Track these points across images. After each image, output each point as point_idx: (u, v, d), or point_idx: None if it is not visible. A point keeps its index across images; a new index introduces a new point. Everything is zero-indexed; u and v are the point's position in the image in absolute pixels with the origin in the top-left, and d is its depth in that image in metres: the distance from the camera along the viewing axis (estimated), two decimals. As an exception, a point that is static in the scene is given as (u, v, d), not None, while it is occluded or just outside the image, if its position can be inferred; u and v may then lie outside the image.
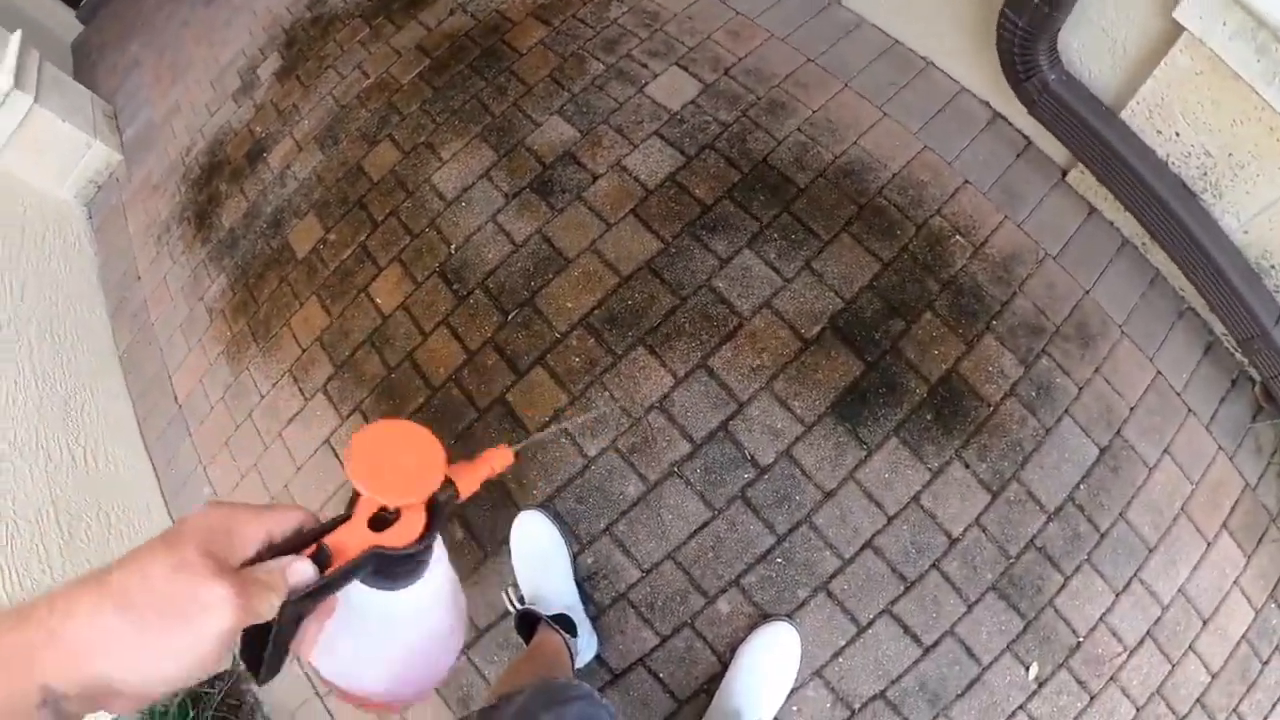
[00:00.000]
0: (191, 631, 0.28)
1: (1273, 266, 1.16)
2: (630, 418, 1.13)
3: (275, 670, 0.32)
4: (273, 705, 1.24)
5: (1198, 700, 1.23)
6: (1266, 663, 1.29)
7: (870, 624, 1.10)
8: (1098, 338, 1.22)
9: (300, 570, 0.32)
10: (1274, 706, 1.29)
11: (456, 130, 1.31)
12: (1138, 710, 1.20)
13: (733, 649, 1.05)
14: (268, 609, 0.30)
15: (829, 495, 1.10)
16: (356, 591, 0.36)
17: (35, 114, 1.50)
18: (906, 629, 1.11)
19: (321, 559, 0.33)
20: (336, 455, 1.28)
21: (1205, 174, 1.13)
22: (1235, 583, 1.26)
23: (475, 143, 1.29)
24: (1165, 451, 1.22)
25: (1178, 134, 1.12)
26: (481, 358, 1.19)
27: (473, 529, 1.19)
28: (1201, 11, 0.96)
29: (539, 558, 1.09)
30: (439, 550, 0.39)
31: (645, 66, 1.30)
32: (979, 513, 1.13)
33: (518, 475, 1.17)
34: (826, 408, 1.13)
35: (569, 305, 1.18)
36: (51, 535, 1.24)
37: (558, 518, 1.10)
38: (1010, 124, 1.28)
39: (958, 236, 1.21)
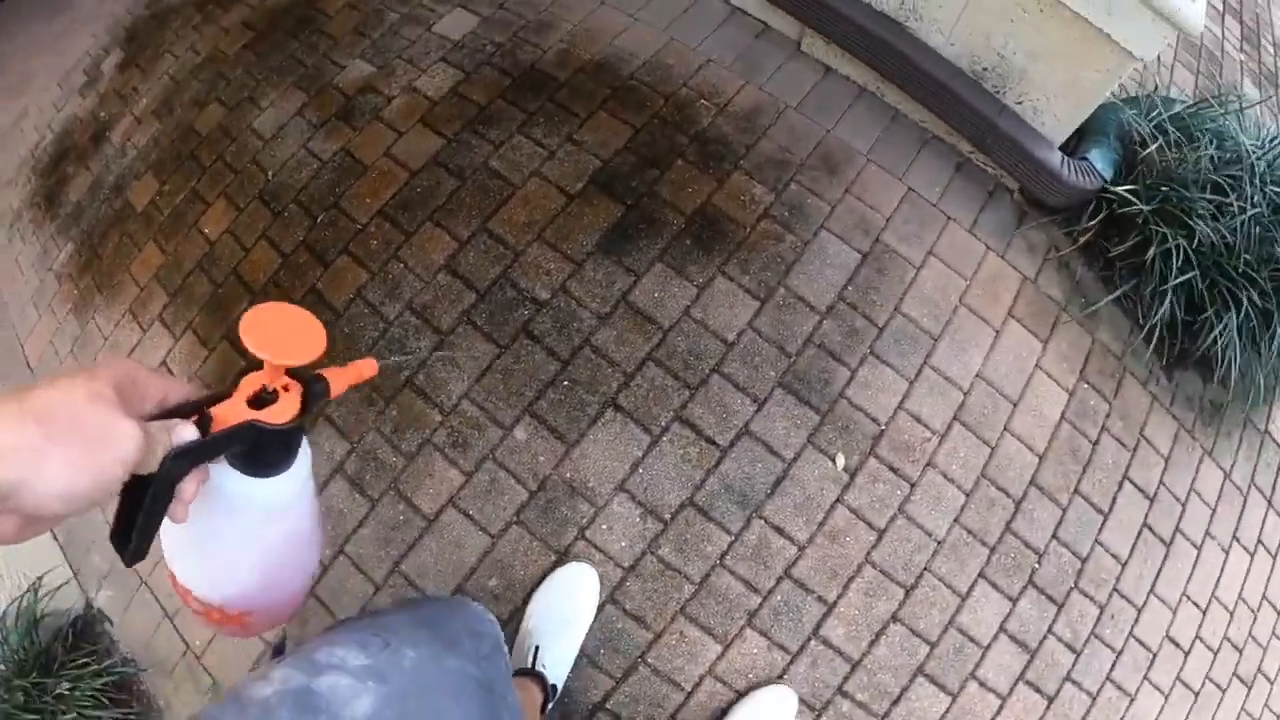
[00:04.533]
0: (104, 455, 0.32)
1: (985, 69, 1.32)
2: (423, 281, 1.24)
3: (146, 540, 0.36)
4: (123, 634, 1.25)
5: (1032, 481, 1.26)
6: (1096, 442, 1.32)
7: (664, 431, 1.15)
8: (843, 165, 1.36)
9: (184, 430, 0.36)
10: (1120, 485, 1.31)
11: (274, 84, 1.49)
12: (967, 495, 1.22)
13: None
14: (155, 459, 0.34)
15: (604, 319, 1.20)
16: (226, 480, 0.39)
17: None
18: (699, 432, 1.16)
19: (203, 426, 0.37)
20: (171, 374, 1.36)
21: (902, 3, 1.31)
22: (1037, 366, 1.32)
23: (290, 90, 1.46)
24: (930, 253, 1.33)
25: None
26: (295, 258, 1.31)
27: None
28: None
29: (569, 618, 1.04)
30: (305, 452, 0.42)
31: (433, 10, 1.52)
32: (750, 318, 1.22)
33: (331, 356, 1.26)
34: (593, 247, 1.24)
35: (368, 201, 1.32)
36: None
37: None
38: (748, 14, 1.48)
39: (703, 101, 1.37)
